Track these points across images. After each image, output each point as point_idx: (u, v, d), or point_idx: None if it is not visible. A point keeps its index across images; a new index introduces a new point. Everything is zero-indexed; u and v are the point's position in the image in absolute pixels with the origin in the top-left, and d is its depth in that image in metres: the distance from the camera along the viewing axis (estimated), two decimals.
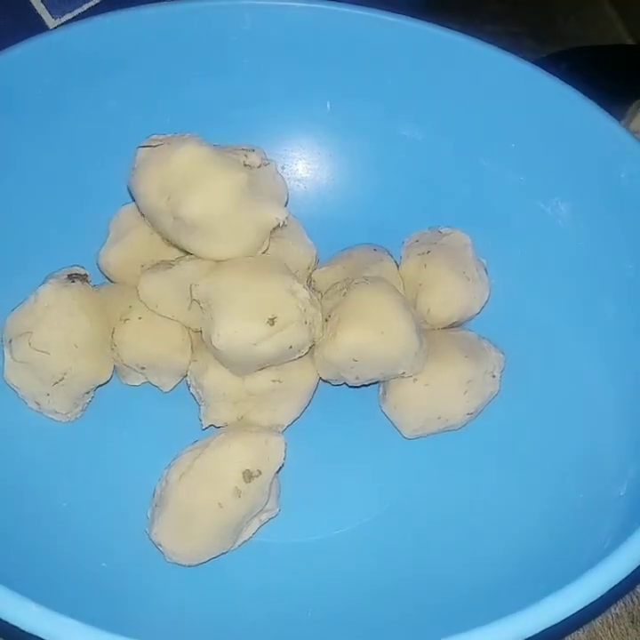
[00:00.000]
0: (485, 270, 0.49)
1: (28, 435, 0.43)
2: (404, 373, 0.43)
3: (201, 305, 0.42)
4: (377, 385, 0.46)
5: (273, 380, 0.43)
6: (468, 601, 0.38)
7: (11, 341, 0.43)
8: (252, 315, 0.40)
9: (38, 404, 0.44)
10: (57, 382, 0.43)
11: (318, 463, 0.44)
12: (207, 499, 0.39)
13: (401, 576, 0.40)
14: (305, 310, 0.41)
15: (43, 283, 0.44)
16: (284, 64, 0.51)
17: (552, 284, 0.48)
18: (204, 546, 0.39)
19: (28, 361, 0.43)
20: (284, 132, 0.52)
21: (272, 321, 0.40)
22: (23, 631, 0.30)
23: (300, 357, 0.43)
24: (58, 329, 0.42)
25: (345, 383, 0.45)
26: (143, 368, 0.45)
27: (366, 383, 0.45)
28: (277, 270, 0.42)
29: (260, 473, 0.40)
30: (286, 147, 0.53)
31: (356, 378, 0.44)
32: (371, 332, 0.42)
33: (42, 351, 0.42)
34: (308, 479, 0.42)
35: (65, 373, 0.43)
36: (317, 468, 0.43)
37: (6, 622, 0.30)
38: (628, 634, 0.43)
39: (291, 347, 0.41)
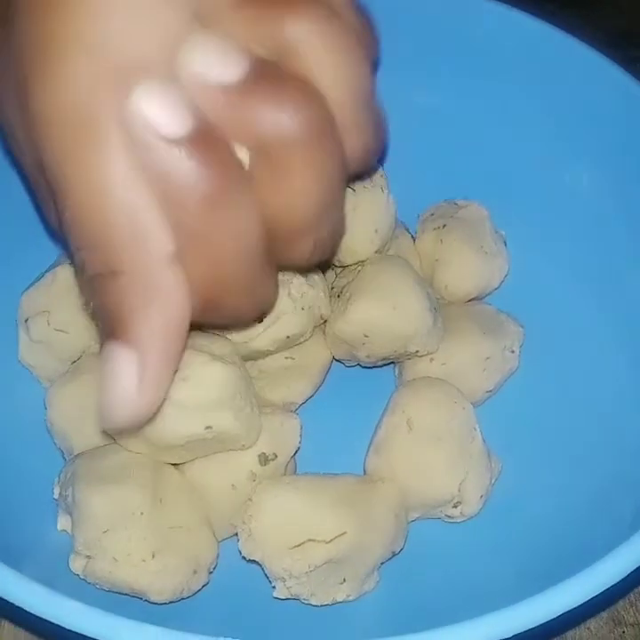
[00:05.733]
0: (505, 243, 0.48)
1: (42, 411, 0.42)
2: (417, 351, 0.43)
3: None
4: (392, 365, 0.46)
5: (286, 358, 0.43)
6: (485, 583, 0.37)
7: (27, 320, 0.43)
8: None
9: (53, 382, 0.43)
10: (75, 361, 0.42)
11: (332, 443, 0.43)
12: (220, 480, 0.39)
13: (412, 555, 0.40)
14: (301, 296, 0.41)
15: (59, 262, 0.43)
16: None
17: (573, 256, 0.47)
18: (216, 527, 0.39)
19: (46, 340, 0.42)
20: None
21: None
22: (31, 615, 0.30)
23: (305, 340, 0.42)
24: (77, 309, 0.42)
25: (359, 364, 0.45)
26: None
27: (379, 363, 0.44)
28: None
29: (276, 456, 0.39)
30: None
31: (368, 356, 0.43)
32: (382, 307, 0.41)
33: (61, 331, 0.42)
34: (322, 459, 0.42)
35: (83, 352, 0.42)
36: (331, 448, 0.43)
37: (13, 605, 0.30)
38: None
39: (288, 337, 0.41)
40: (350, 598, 0.38)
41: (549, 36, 0.47)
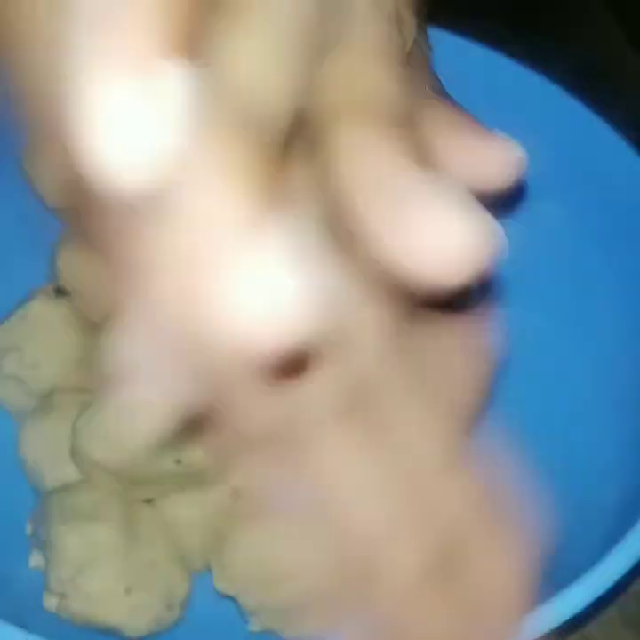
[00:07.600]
0: None
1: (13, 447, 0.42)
2: None
3: None
4: None
5: None
6: None
7: None
8: None
9: (23, 418, 0.43)
10: (46, 396, 0.42)
11: None
12: (193, 515, 0.39)
13: None
14: None
15: (29, 298, 0.43)
16: None
17: (546, 291, 0.47)
18: (190, 562, 0.39)
19: (17, 376, 0.42)
20: None
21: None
22: None
23: None
24: (49, 344, 0.42)
25: None
26: None
27: None
28: None
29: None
30: None
31: None
32: None
33: (32, 366, 0.42)
34: None
35: (55, 387, 0.42)
36: None
37: None
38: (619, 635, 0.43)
39: None
40: None
41: (514, 72, 0.48)
